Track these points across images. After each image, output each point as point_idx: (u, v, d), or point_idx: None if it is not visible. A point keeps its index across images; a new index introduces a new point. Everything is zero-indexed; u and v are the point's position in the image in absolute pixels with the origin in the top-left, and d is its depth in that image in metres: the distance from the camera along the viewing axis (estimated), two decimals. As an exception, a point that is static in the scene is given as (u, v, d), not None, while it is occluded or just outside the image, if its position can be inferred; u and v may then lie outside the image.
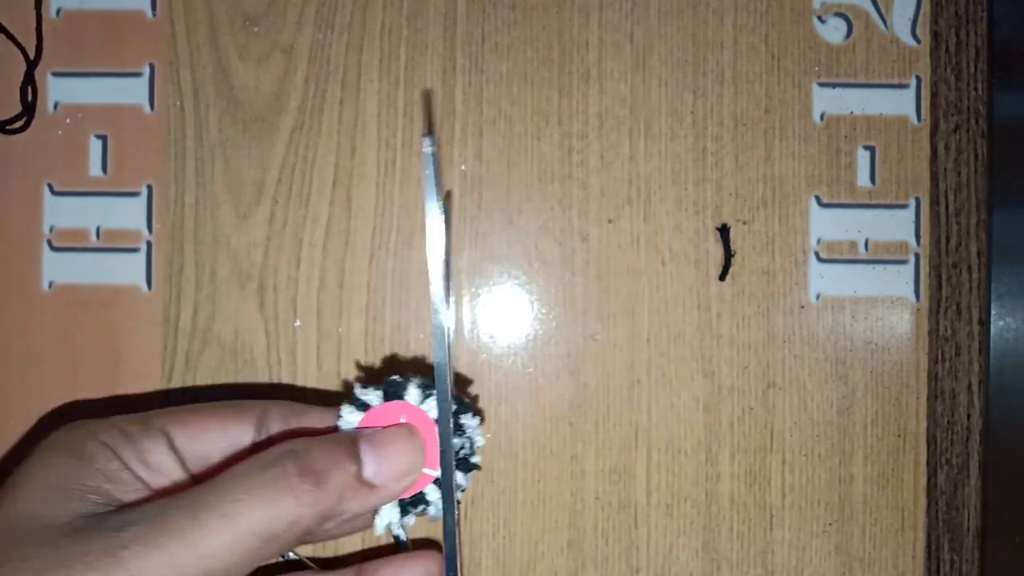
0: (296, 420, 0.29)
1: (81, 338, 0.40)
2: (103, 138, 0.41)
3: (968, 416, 0.41)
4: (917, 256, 0.41)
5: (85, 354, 0.40)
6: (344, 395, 0.31)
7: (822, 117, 0.41)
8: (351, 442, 0.26)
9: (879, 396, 0.41)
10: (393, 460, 0.27)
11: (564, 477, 0.40)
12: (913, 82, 0.41)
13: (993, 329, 0.41)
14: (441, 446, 0.28)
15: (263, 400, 0.30)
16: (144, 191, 0.40)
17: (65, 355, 0.40)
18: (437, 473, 0.28)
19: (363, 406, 0.28)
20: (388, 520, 0.28)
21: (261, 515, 0.23)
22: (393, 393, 0.28)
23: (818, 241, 0.41)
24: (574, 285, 0.41)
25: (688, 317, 0.41)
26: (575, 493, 0.40)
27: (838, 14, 0.41)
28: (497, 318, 0.41)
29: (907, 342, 0.41)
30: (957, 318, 0.41)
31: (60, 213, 0.40)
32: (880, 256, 0.41)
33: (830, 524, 0.41)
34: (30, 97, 0.40)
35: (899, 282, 0.41)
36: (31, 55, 0.40)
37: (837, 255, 0.41)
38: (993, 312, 0.41)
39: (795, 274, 0.41)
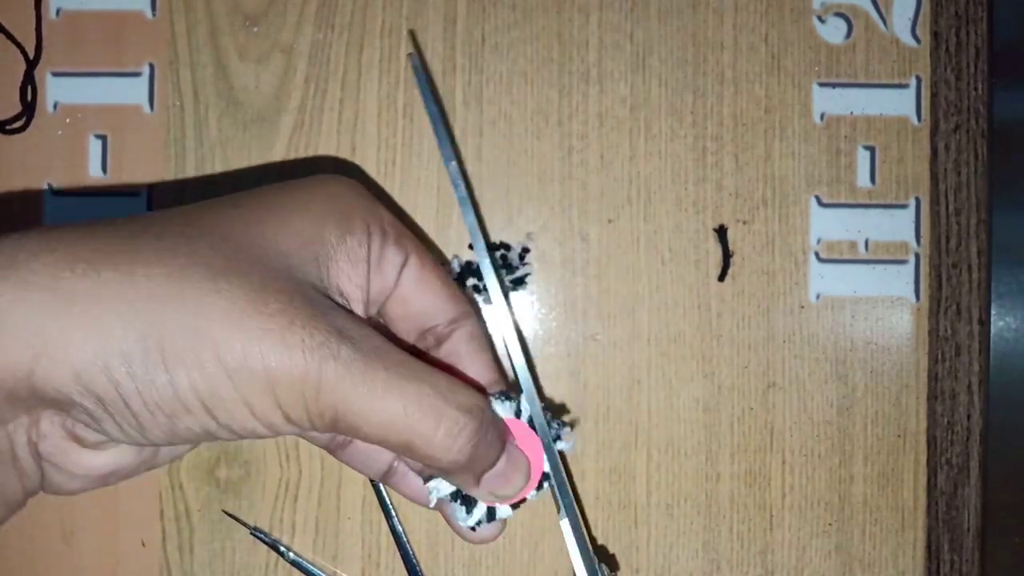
0: (475, 348, 0.30)
1: (81, 338, 0.40)
2: (103, 138, 0.41)
3: (968, 416, 0.41)
4: (917, 256, 0.41)
5: (85, 354, 0.40)
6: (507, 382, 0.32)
7: (822, 117, 0.41)
8: (502, 446, 0.28)
9: (879, 396, 0.41)
10: (505, 485, 0.28)
11: (564, 477, 0.40)
12: (913, 82, 0.41)
13: (993, 329, 0.41)
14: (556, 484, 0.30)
15: (471, 305, 0.31)
16: (144, 191, 0.40)
17: (65, 355, 0.40)
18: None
19: (517, 412, 0.30)
20: (438, 491, 0.29)
21: (422, 436, 0.25)
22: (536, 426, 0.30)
23: (818, 241, 0.41)
24: (574, 285, 0.41)
25: (688, 317, 0.41)
26: (575, 493, 0.40)
27: (838, 14, 0.41)
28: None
29: (907, 342, 0.41)
30: (957, 318, 0.41)
31: (60, 213, 0.40)
32: (880, 256, 0.41)
33: (830, 524, 0.41)
34: (30, 97, 0.40)
35: (899, 282, 0.41)
36: (31, 55, 0.40)
37: (837, 255, 0.41)
38: (993, 312, 0.41)
39: (795, 274, 0.41)
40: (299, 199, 0.27)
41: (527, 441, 0.29)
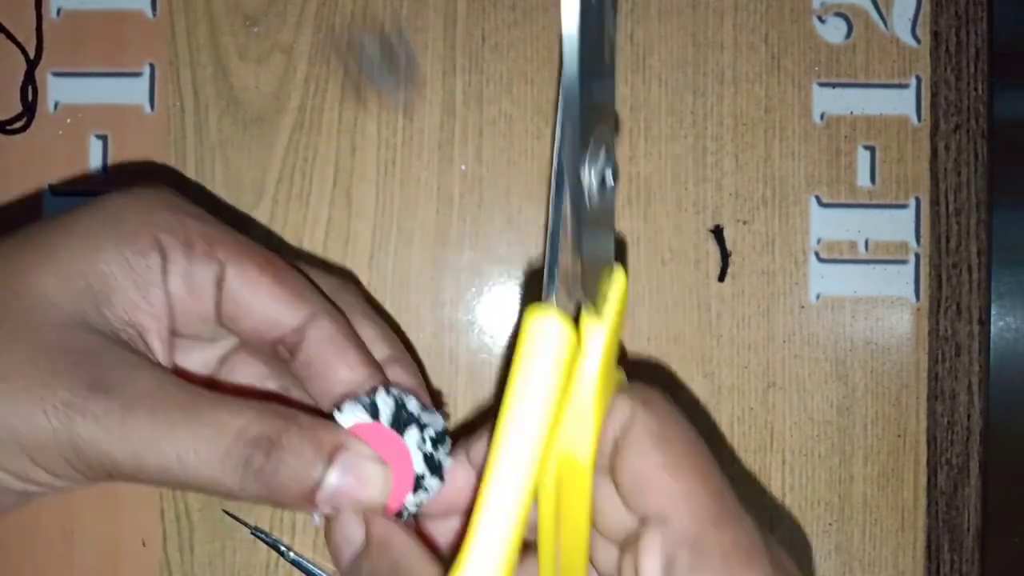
0: (332, 351, 0.26)
1: (81, 338, 0.40)
2: (103, 138, 0.41)
3: (968, 416, 0.41)
4: (917, 256, 0.41)
5: (85, 354, 0.40)
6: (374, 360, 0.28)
7: (822, 117, 0.41)
8: (328, 457, 0.24)
9: (879, 396, 0.41)
10: (353, 500, 0.24)
11: (564, 477, 0.40)
12: (913, 82, 0.41)
13: (993, 329, 0.41)
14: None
15: (327, 301, 0.27)
16: (144, 191, 0.40)
17: (65, 355, 0.40)
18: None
19: (374, 412, 0.26)
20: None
21: (209, 479, 0.22)
22: (401, 423, 0.26)
23: (818, 241, 0.41)
24: (574, 285, 0.41)
25: (688, 317, 0.41)
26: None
27: (838, 14, 0.41)
28: (497, 318, 0.41)
29: (907, 342, 0.41)
30: (957, 318, 0.41)
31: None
32: (880, 256, 0.41)
33: (830, 524, 0.41)
34: (30, 97, 0.40)
35: (899, 282, 0.41)
36: (31, 55, 0.40)
37: (837, 255, 0.41)
38: (993, 312, 0.41)
39: (795, 274, 0.41)
40: (70, 229, 0.24)
41: (387, 444, 0.25)
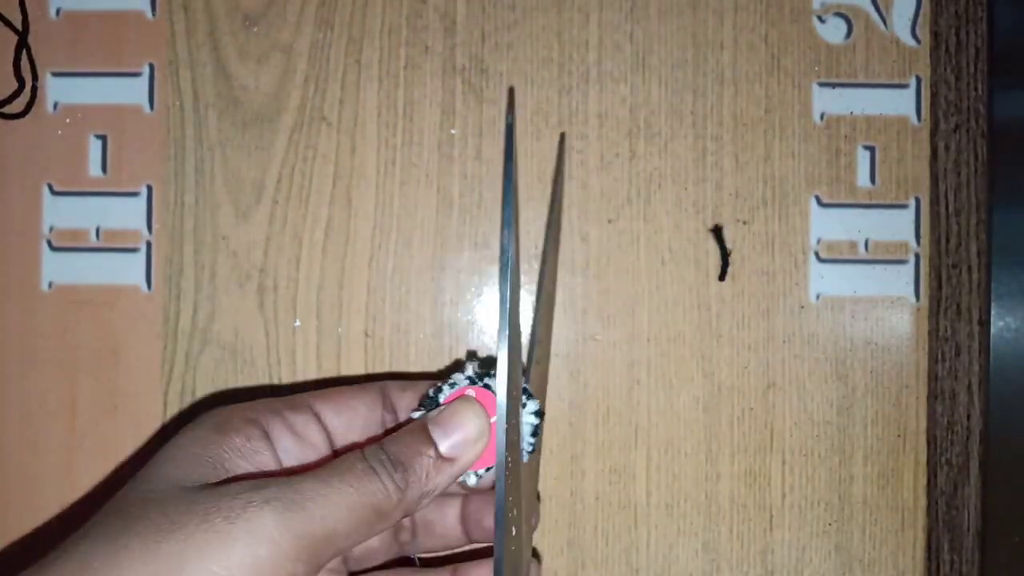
0: (412, 392, 0.32)
1: (81, 338, 0.40)
2: (103, 138, 0.41)
3: (968, 416, 0.41)
4: (917, 256, 0.41)
5: (85, 354, 0.40)
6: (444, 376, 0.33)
7: (822, 117, 0.41)
8: (422, 428, 0.29)
9: (879, 396, 0.41)
10: (460, 431, 0.29)
11: (564, 477, 0.40)
12: (913, 82, 0.41)
13: (993, 329, 0.41)
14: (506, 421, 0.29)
15: (379, 381, 0.33)
16: (144, 191, 0.40)
17: (65, 355, 0.40)
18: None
19: (434, 402, 0.31)
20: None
21: (359, 500, 0.26)
22: (452, 382, 0.31)
23: (818, 241, 0.41)
24: (574, 285, 0.41)
25: (688, 317, 0.41)
26: (575, 493, 0.40)
27: (838, 14, 0.41)
28: (497, 318, 0.41)
29: (907, 342, 0.41)
30: (957, 318, 0.41)
31: (60, 213, 0.40)
32: (880, 256, 0.41)
33: (830, 524, 0.41)
34: (27, 81, 0.40)
35: (899, 282, 0.41)
36: (19, 28, 0.40)
37: (837, 255, 0.41)
38: (993, 312, 0.41)
39: (795, 274, 0.41)
40: (173, 444, 0.28)
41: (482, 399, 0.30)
